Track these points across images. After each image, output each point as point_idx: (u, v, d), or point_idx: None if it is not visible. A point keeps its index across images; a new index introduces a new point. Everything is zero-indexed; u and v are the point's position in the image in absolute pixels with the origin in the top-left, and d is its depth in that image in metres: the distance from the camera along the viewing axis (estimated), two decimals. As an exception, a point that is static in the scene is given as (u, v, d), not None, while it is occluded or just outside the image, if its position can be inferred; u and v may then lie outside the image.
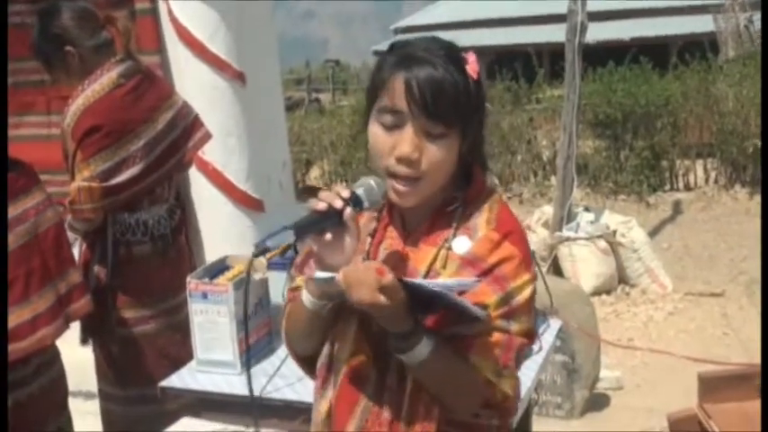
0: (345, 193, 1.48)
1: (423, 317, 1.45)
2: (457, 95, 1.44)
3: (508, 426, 1.65)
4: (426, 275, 1.50)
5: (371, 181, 1.52)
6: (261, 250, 1.46)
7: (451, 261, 1.50)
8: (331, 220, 1.46)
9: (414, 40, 1.54)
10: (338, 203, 1.46)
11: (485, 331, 1.46)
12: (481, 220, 1.53)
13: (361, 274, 1.38)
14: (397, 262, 1.54)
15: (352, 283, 1.39)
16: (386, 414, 1.52)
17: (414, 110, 1.44)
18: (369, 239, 1.60)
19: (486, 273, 1.47)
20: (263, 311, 2.53)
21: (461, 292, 1.40)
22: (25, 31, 3.12)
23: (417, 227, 1.57)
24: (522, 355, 1.55)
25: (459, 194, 1.55)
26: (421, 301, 1.39)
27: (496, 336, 1.47)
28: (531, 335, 1.53)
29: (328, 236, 1.46)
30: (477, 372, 1.46)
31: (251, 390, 1.63)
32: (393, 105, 1.45)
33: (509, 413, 1.60)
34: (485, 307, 1.44)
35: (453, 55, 1.48)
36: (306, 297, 1.54)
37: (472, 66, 1.48)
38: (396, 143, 1.46)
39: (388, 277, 1.35)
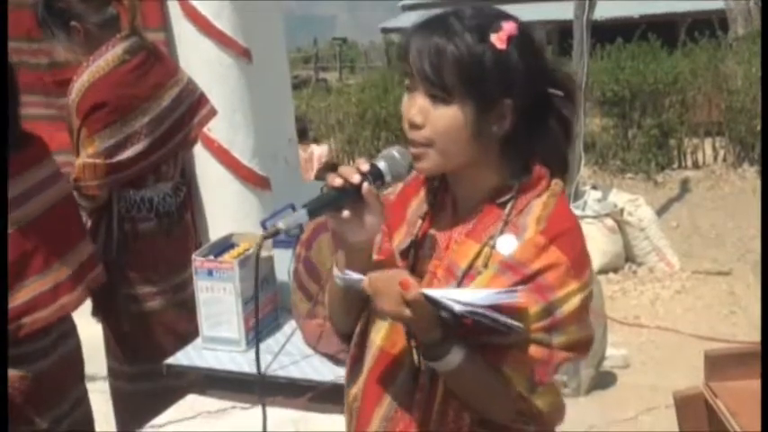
0: (365, 167, 1.38)
1: (454, 325, 1.36)
2: (459, 61, 1.34)
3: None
4: (466, 273, 1.41)
5: (395, 152, 1.42)
6: (272, 232, 1.34)
7: (494, 261, 1.39)
8: (349, 196, 1.36)
9: (455, 7, 1.42)
10: (355, 178, 1.36)
11: (521, 342, 1.36)
12: (531, 218, 1.40)
13: (386, 285, 1.32)
14: (440, 252, 1.47)
15: (377, 291, 1.34)
16: (415, 412, 1.45)
17: (418, 72, 1.37)
18: (419, 222, 1.51)
19: (527, 280, 1.36)
20: (268, 288, 2.53)
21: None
22: (25, 11, 3.09)
23: (468, 215, 1.46)
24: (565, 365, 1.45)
25: (515, 184, 1.43)
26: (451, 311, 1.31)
27: (534, 349, 1.36)
28: (581, 346, 1.42)
29: (345, 213, 1.36)
30: (509, 385, 1.37)
31: (259, 368, 1.58)
32: (408, 68, 1.39)
33: (547, 424, 1.48)
34: (524, 315, 1.33)
35: (479, 22, 1.37)
36: (336, 273, 1.46)
37: (500, 35, 1.35)
38: (409, 107, 1.41)
39: (412, 292, 1.29)
